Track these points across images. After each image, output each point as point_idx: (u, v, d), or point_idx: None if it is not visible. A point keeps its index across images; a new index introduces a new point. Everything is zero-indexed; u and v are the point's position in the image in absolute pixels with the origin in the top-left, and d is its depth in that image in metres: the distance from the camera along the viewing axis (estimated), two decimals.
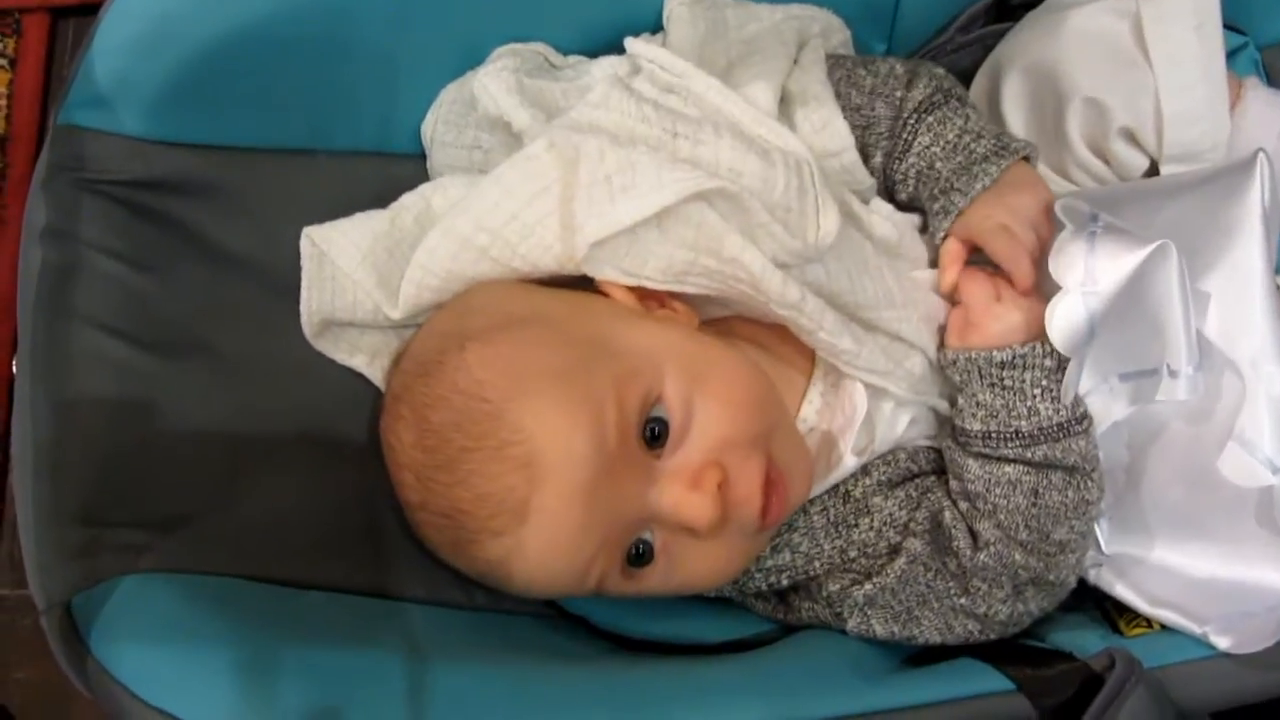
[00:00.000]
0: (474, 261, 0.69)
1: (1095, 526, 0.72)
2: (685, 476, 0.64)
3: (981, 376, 0.70)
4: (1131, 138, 0.79)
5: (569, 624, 0.76)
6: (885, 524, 0.72)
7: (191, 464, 0.69)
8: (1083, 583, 0.74)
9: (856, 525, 0.72)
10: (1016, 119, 0.84)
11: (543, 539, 0.62)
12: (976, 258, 0.75)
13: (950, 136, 0.74)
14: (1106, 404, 0.70)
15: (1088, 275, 0.66)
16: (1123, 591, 0.72)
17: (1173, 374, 0.67)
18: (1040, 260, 0.70)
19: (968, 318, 0.72)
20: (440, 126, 0.78)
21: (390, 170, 0.79)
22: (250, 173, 0.75)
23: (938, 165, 0.74)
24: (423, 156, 0.80)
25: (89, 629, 0.61)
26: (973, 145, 0.74)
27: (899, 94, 0.76)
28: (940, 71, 0.77)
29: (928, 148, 0.75)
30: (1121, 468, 0.73)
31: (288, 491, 0.71)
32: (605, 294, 0.69)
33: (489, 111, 0.74)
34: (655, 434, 0.64)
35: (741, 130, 0.70)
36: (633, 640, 0.75)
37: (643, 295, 0.69)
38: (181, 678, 0.59)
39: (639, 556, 0.66)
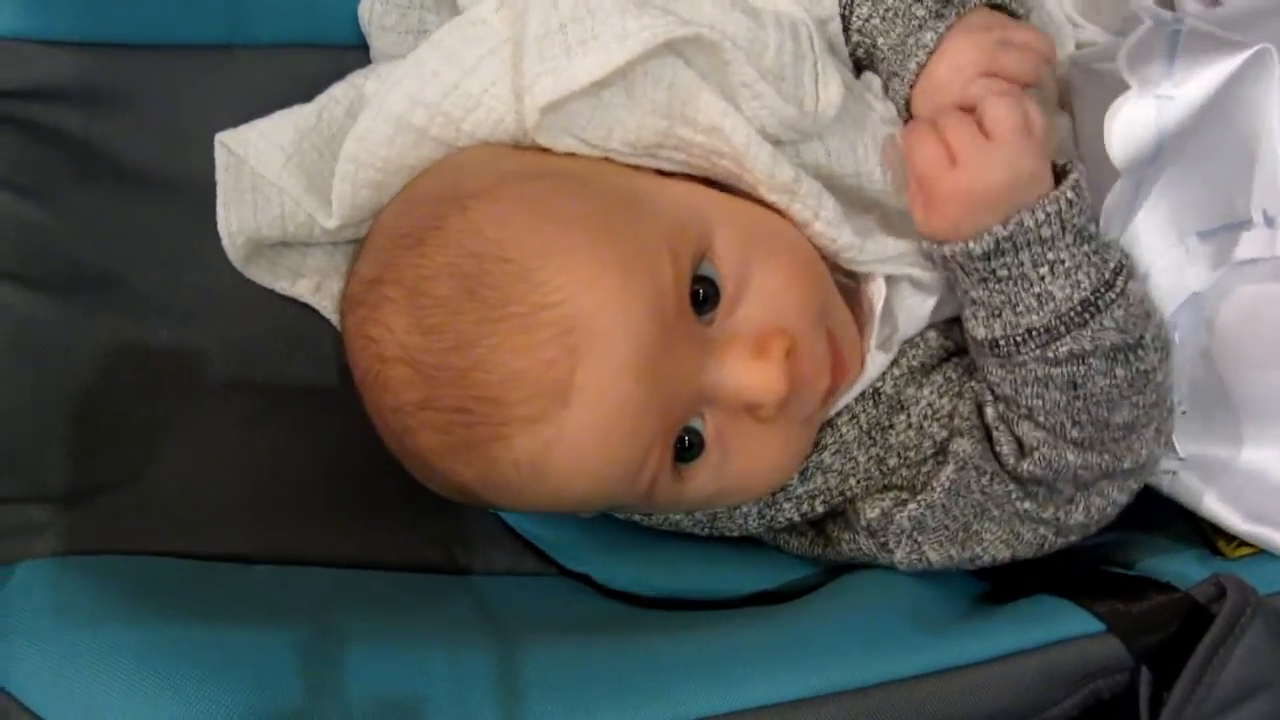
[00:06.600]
0: (414, 145, 0.63)
1: (1175, 388, 0.64)
2: (749, 343, 0.59)
3: (966, 273, 0.62)
4: None
5: (567, 585, 0.72)
6: (925, 417, 0.67)
7: (99, 424, 0.66)
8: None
9: (892, 426, 0.67)
10: None
11: (594, 424, 0.56)
12: None
13: (890, 1, 0.66)
14: (1180, 272, 0.62)
15: (1164, 76, 0.59)
16: (1211, 505, 0.66)
17: (1271, 222, 0.59)
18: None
19: (925, 194, 0.62)
20: (379, 7, 0.72)
21: (327, 66, 0.71)
22: (155, 75, 0.69)
23: (879, 43, 0.66)
24: (366, 47, 0.73)
25: None
26: (913, 8, 0.65)
27: None
28: None
29: (867, 20, 0.67)
30: (1199, 351, 0.65)
31: (219, 449, 0.67)
32: None
33: None
34: (703, 297, 0.59)
35: None
36: (647, 599, 0.70)
37: None
38: (92, 686, 0.54)
39: (688, 449, 0.60)
